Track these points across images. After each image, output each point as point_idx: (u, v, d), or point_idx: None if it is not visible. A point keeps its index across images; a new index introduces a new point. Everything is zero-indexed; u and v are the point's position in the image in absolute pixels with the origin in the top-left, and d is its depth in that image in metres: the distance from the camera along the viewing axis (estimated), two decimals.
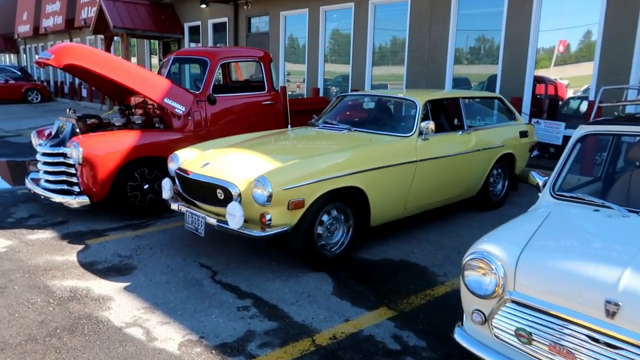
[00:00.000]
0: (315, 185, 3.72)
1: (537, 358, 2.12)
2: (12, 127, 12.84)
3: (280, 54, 12.72)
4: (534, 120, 7.66)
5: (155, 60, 18.21)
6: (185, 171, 4.20)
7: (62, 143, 5.30)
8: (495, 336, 2.25)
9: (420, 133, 4.59)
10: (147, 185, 5.33)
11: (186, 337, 2.98)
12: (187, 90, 5.88)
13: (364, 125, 4.88)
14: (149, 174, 5.34)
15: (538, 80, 8.30)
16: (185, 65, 8.07)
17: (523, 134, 5.93)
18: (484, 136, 5.32)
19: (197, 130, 5.76)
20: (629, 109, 6.43)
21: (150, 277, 3.82)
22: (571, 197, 2.86)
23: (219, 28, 14.89)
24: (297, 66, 12.57)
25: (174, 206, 4.31)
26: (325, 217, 3.92)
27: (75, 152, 4.90)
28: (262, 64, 6.41)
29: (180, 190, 4.35)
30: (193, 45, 15.96)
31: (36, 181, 5.62)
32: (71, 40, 22.64)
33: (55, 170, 5.24)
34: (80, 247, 4.47)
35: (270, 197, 3.51)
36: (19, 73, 22.17)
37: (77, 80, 22.78)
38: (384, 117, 5.21)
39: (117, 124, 5.80)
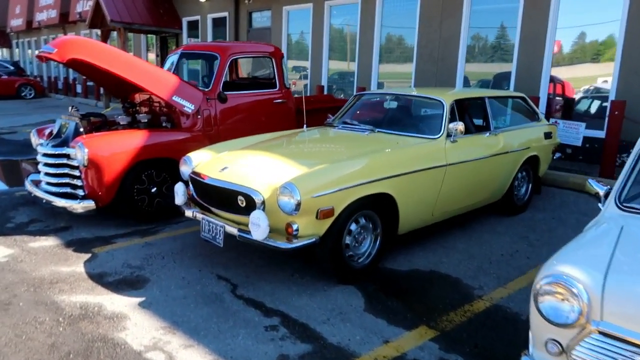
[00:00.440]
0: (345, 192, 3.44)
1: None
2: (6, 124, 12.43)
3: (283, 50, 12.39)
4: (551, 120, 7.41)
5: (152, 55, 17.82)
6: (200, 175, 3.91)
7: (65, 143, 4.98)
8: None
9: (449, 135, 4.33)
10: (155, 189, 5.03)
11: None
12: (196, 87, 5.58)
13: (387, 126, 4.60)
14: (157, 176, 5.04)
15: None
16: (192, 60, 7.74)
17: (547, 135, 5.69)
18: (510, 138, 5.07)
19: (207, 130, 5.46)
20: None
21: (166, 292, 3.54)
22: None
23: (218, 23, 14.54)
24: (300, 63, 12.27)
25: (188, 213, 4.02)
26: (353, 226, 3.66)
27: (80, 153, 4.59)
28: (273, 59, 6.12)
29: (195, 196, 4.05)
30: (193, 40, 15.60)
31: (36, 183, 5.32)
32: (65, 35, 22.16)
33: (58, 172, 4.93)
34: (87, 256, 4.17)
35: (298, 205, 3.23)
36: (12, 68, 21.66)
37: (71, 76, 22.35)
38: (408, 118, 4.94)
39: (122, 123, 5.49)
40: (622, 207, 2.59)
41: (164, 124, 5.53)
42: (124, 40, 14.67)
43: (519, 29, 8.02)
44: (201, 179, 3.87)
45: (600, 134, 7.34)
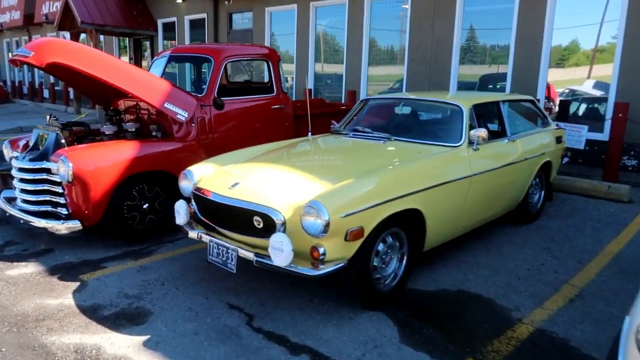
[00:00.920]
0: (375, 209, 3.09)
1: None
2: None
3: None
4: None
5: (125, 58, 17.10)
6: (205, 192, 3.50)
7: (44, 156, 4.48)
8: None
9: (470, 142, 4.04)
10: (147, 205, 4.57)
11: None
12: (189, 93, 5.14)
13: (402, 133, 4.27)
14: (149, 191, 4.58)
15: None
16: (179, 64, 7.23)
17: (558, 140, 5.48)
18: (527, 144, 4.82)
19: (201, 139, 5.03)
20: None
21: (173, 326, 3.11)
22: None
23: (196, 25, 14.01)
24: (285, 66, 11.86)
25: (192, 234, 3.59)
26: (380, 246, 3.31)
27: (63, 168, 4.10)
28: (269, 62, 5.72)
29: (199, 215, 3.63)
30: (166, 43, 15.02)
31: (10, 200, 4.78)
32: (30, 38, 21.14)
33: (37, 189, 4.42)
34: (75, 284, 3.69)
35: (327, 226, 2.86)
36: None
37: (37, 80, 21.35)
38: (423, 125, 4.63)
39: (107, 133, 5.00)
40: None
41: (153, 133, 5.07)
42: (96, 43, 13.98)
43: (515, 30, 7.85)
44: (207, 197, 3.45)
45: (600, 136, 7.22)
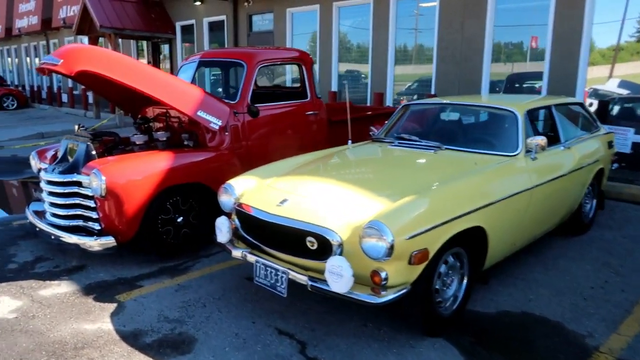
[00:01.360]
0: (440, 229, 2.84)
1: None
2: None
3: None
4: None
5: (143, 61, 17.01)
6: (249, 208, 3.27)
7: (74, 169, 4.29)
8: None
9: (527, 151, 3.76)
10: (182, 218, 4.36)
11: None
12: (221, 100, 4.92)
13: (452, 142, 4.00)
14: (183, 203, 4.37)
15: None
16: (207, 69, 6.99)
17: (610, 145, 5.17)
18: (581, 150, 4.52)
19: (235, 148, 4.81)
20: None
21: (221, 355, 2.88)
22: None
23: (215, 27, 13.83)
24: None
25: (236, 253, 3.36)
26: (442, 268, 3.05)
27: (96, 181, 3.90)
28: (303, 66, 5.48)
29: (242, 232, 3.40)
30: (189, 46, 14.87)
31: (39, 214, 4.61)
32: (48, 42, 21.20)
33: (67, 202, 4.23)
34: (112, 306, 3.49)
35: (391, 249, 2.61)
36: None
37: (55, 84, 21.39)
38: (473, 132, 4.36)
39: (138, 142, 4.80)
40: None
41: (185, 142, 4.86)
42: (114, 47, 13.87)
43: (551, 27, 7.50)
44: (251, 214, 3.22)
45: None
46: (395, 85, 9.93)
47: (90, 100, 16.26)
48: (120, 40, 16.15)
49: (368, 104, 9.72)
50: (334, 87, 10.73)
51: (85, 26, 14.23)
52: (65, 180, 4.21)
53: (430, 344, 3.00)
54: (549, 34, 7.57)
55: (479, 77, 8.42)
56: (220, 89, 6.05)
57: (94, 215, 4.11)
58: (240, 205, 3.39)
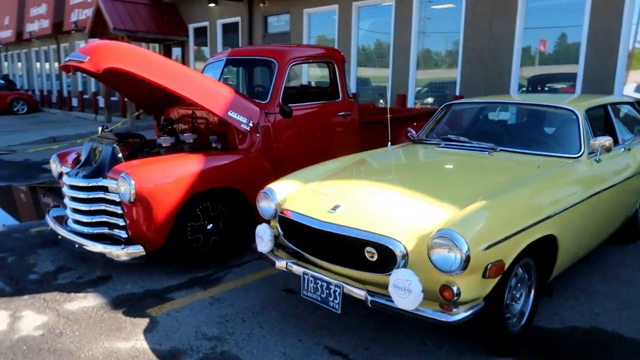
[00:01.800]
0: (516, 238, 2.55)
1: None
2: (2, 143, 11.36)
3: None
4: None
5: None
6: (291, 214, 3.00)
7: (99, 173, 4.02)
8: None
9: (590, 152, 3.46)
10: (212, 225, 4.09)
11: None
12: (251, 99, 4.66)
13: (506, 143, 3.70)
14: (213, 209, 4.10)
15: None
16: (235, 68, 6.71)
17: None
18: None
19: (266, 150, 4.54)
20: None
21: None
22: None
23: (229, 29, 13.62)
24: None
25: (280, 264, 3.08)
26: (512, 280, 2.76)
27: (124, 186, 3.64)
28: (335, 64, 5.21)
29: (286, 241, 3.13)
30: (204, 49, 14.67)
31: (60, 220, 4.36)
32: (59, 46, 21.09)
33: (92, 209, 3.97)
34: (144, 321, 3.22)
35: (467, 261, 2.32)
36: (2, 82, 20.51)
37: (65, 88, 21.27)
38: (528, 132, 4.05)
39: (164, 144, 4.54)
40: None
41: (213, 145, 4.60)
42: None
43: (587, 27, 7.20)
44: (300, 221, 2.94)
45: None
46: (417, 88, 9.66)
47: (101, 104, 16.10)
48: (133, 43, 16.02)
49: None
50: (353, 89, 10.46)
51: (97, 29, 14.06)
52: (90, 185, 3.95)
53: None
54: (584, 34, 7.26)
55: (507, 79, 8.12)
56: (257, 88, 5.75)
57: (120, 222, 3.85)
58: (283, 211, 3.12)
